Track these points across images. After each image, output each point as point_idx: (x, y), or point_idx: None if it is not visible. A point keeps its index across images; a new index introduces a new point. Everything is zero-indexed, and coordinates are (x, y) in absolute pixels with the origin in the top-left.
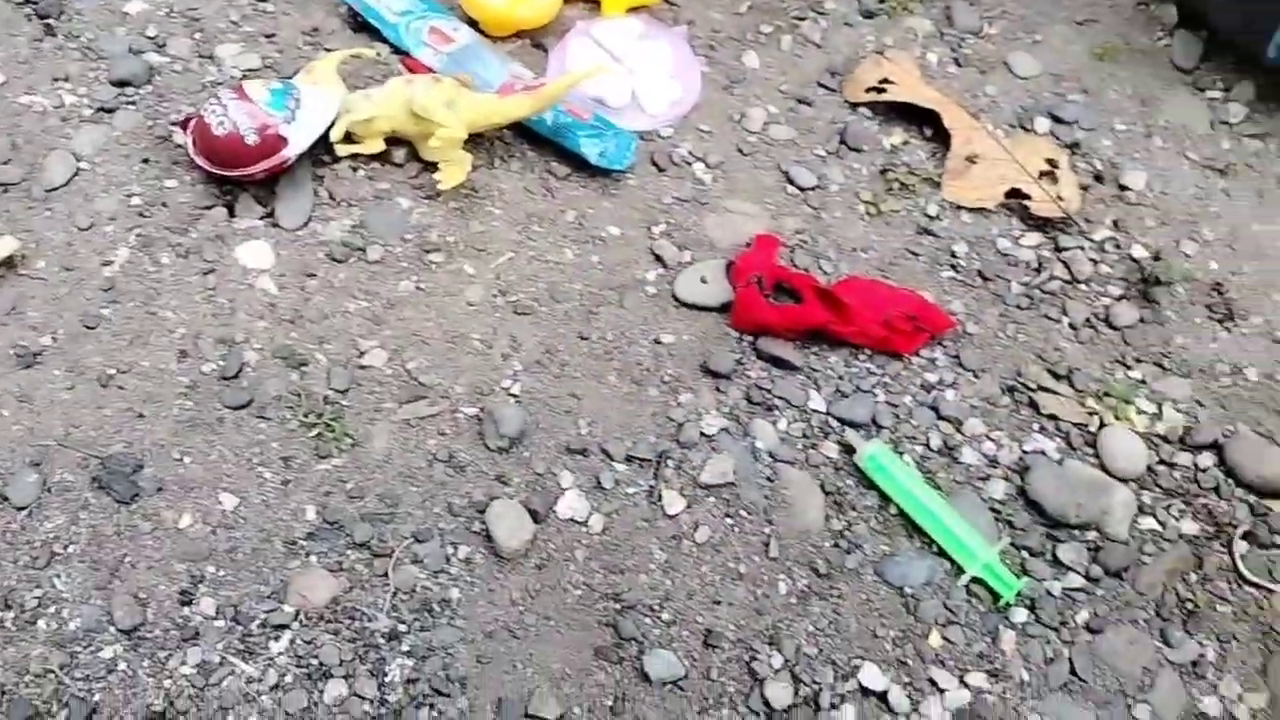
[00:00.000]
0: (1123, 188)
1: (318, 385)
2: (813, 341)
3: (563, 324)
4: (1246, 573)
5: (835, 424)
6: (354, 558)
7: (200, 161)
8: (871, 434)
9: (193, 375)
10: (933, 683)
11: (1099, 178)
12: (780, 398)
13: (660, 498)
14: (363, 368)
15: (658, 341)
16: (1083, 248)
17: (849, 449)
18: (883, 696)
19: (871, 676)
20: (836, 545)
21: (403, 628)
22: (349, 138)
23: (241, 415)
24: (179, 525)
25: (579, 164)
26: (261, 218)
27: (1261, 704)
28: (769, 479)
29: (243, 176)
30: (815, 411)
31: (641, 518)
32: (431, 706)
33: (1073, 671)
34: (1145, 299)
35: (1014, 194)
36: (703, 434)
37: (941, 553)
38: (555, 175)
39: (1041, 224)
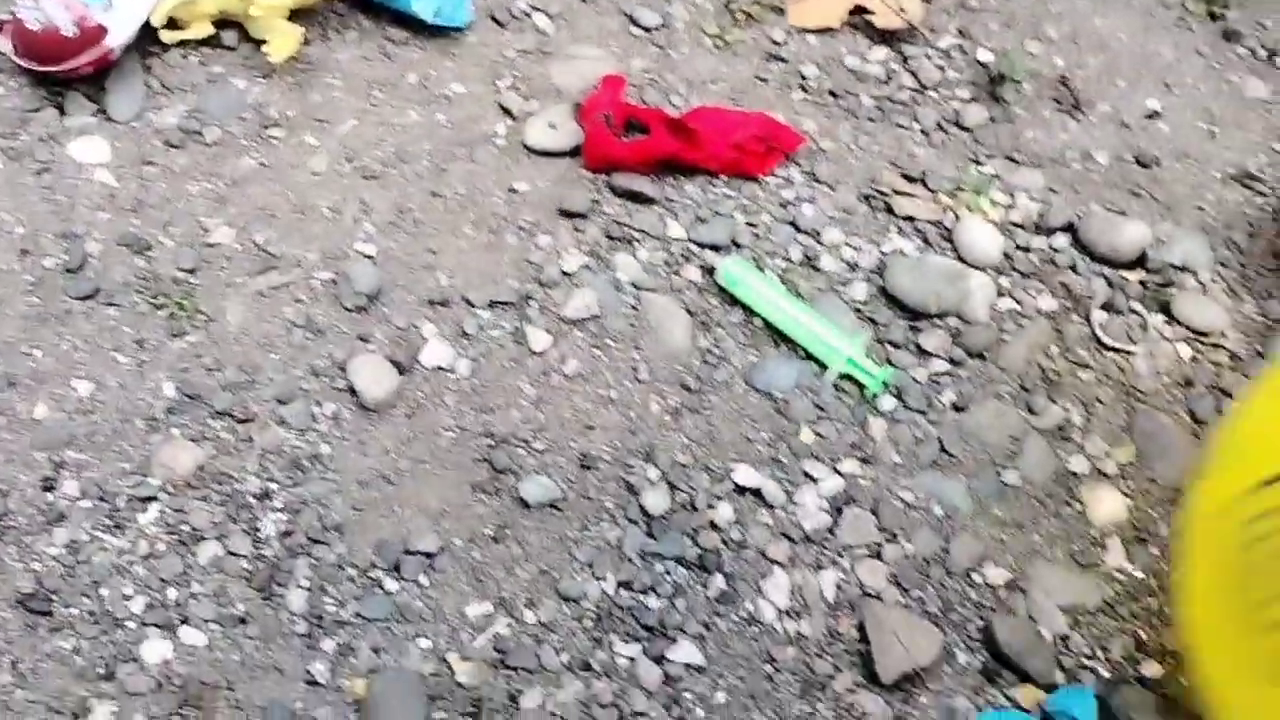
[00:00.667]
0: None
1: (165, 267)
2: (668, 173)
3: (413, 184)
4: (1106, 339)
5: (695, 249)
6: (217, 426)
7: (23, 63)
8: (731, 254)
9: (36, 272)
10: (806, 474)
11: None
12: (639, 230)
13: (526, 337)
14: (210, 246)
15: (512, 190)
16: (929, 55)
17: (710, 270)
18: (758, 492)
19: (746, 476)
20: (705, 362)
21: (274, 486)
22: (174, 23)
23: (90, 305)
24: (34, 416)
25: (417, 27)
26: (93, 114)
27: (1129, 458)
28: (633, 308)
29: (68, 72)
30: (675, 239)
31: (509, 358)
32: (309, 555)
33: (942, 449)
34: (993, 98)
35: (857, 11)
36: (563, 272)
37: (808, 356)
38: (393, 40)
39: (887, 38)
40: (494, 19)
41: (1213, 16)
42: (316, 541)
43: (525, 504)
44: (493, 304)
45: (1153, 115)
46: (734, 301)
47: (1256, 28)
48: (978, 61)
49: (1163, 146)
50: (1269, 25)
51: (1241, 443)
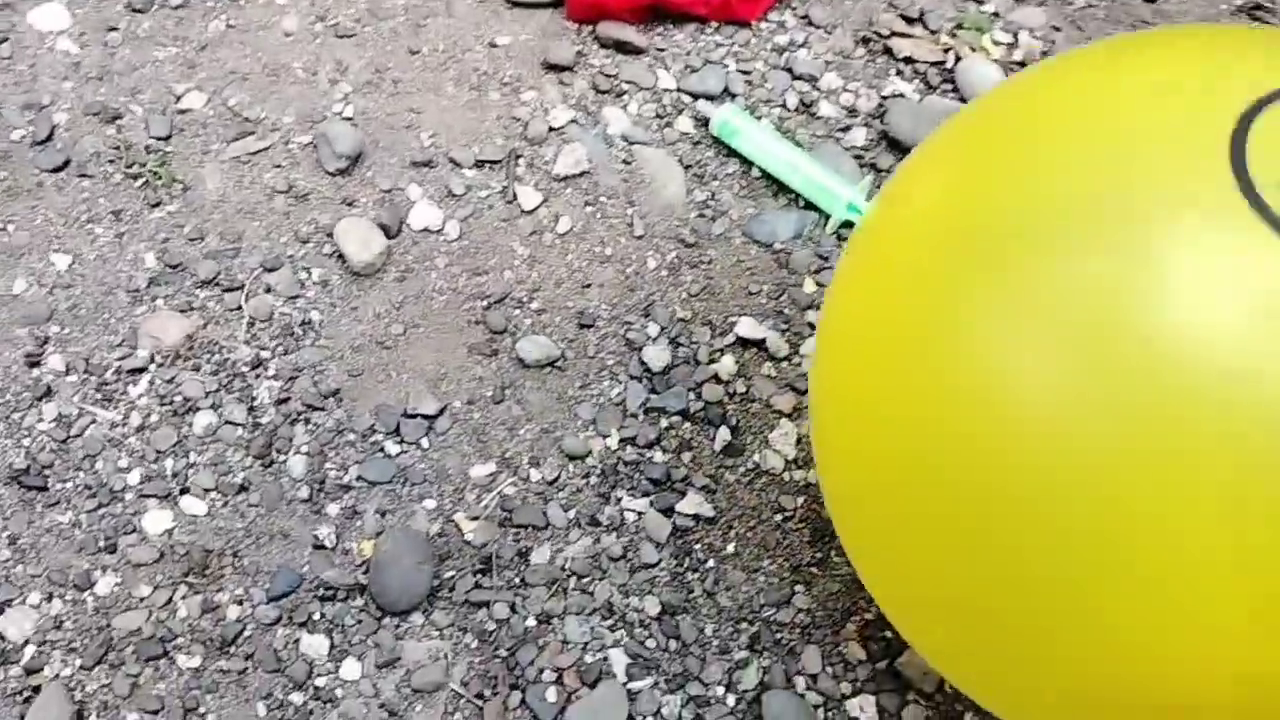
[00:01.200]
0: None
1: (137, 136)
2: (656, 21)
3: (389, 41)
4: None
5: (688, 99)
6: (203, 296)
7: None
8: (725, 103)
9: (2, 145)
10: (810, 325)
11: None
12: (628, 81)
13: (515, 196)
14: (182, 112)
15: (493, 45)
16: None
17: (704, 121)
18: (760, 344)
19: (749, 328)
20: (702, 215)
21: (265, 354)
22: None
23: (61, 177)
24: (13, 292)
25: None
26: None
27: None
28: (625, 162)
29: None
30: (666, 90)
31: (499, 218)
32: (307, 421)
33: None
34: None
35: None
36: (551, 128)
37: (808, 205)
38: None
39: None
40: None
41: None
42: (313, 408)
43: (524, 364)
44: (479, 163)
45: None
46: (730, 152)
47: None
48: None
49: None
50: None
51: None
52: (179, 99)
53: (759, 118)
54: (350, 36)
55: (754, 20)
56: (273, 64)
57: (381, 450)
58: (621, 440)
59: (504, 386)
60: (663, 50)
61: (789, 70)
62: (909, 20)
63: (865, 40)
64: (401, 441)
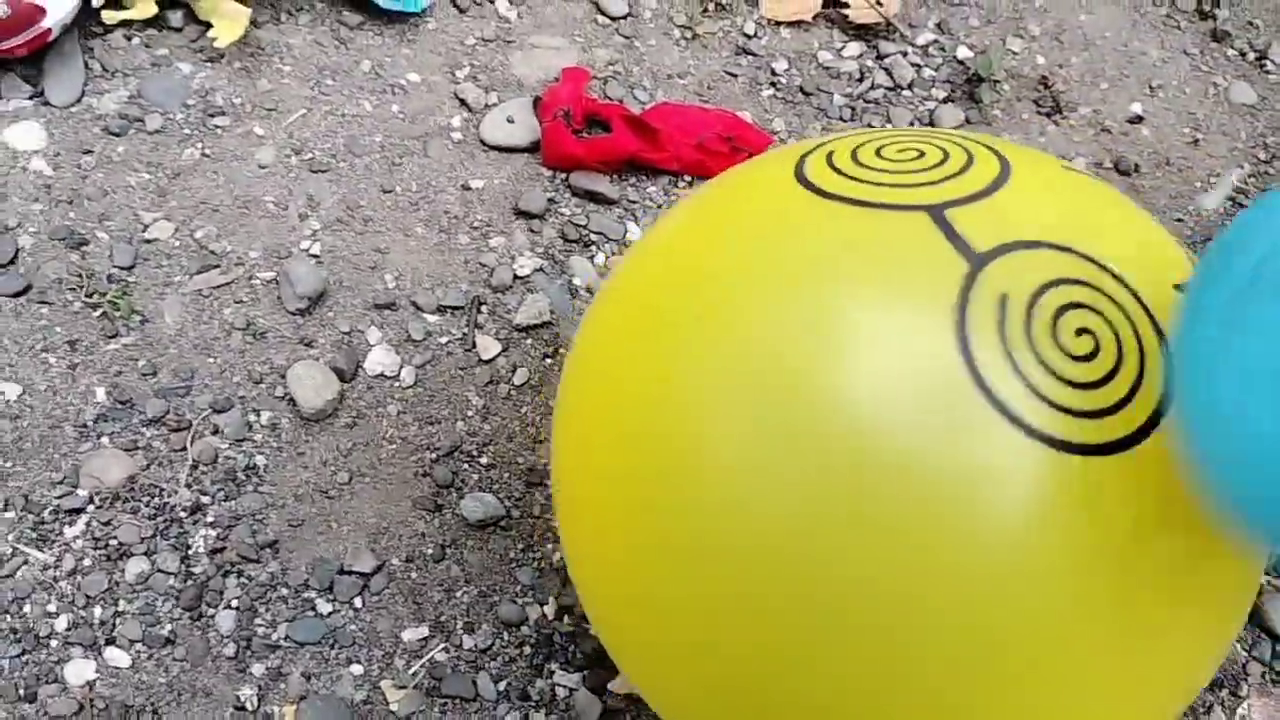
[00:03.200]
0: None
1: (100, 264)
2: (630, 173)
3: (363, 178)
4: None
5: None
6: (149, 435)
7: None
8: None
9: None
10: None
11: None
12: (596, 232)
13: (474, 344)
14: (148, 242)
15: (466, 187)
16: (905, 53)
17: None
18: None
19: None
20: None
21: (206, 499)
22: (117, 3)
23: (20, 302)
24: None
25: (373, 11)
26: (30, 97)
27: None
28: None
29: (2, 53)
30: (634, 242)
31: (456, 366)
32: (240, 574)
33: None
34: (971, 99)
35: (832, 3)
36: (516, 276)
37: None
38: (347, 25)
39: (862, 32)
40: (455, 5)
41: (1202, 15)
42: (248, 559)
43: (467, 522)
44: (441, 308)
45: (1135, 120)
46: None
47: (1247, 28)
48: (956, 59)
49: (1144, 153)
50: (1259, 25)
51: None
52: (146, 228)
53: None
54: (325, 171)
55: None
56: (244, 196)
57: (313, 608)
58: (559, 609)
59: (445, 545)
60: (634, 202)
61: None
62: None
63: None
64: (334, 600)
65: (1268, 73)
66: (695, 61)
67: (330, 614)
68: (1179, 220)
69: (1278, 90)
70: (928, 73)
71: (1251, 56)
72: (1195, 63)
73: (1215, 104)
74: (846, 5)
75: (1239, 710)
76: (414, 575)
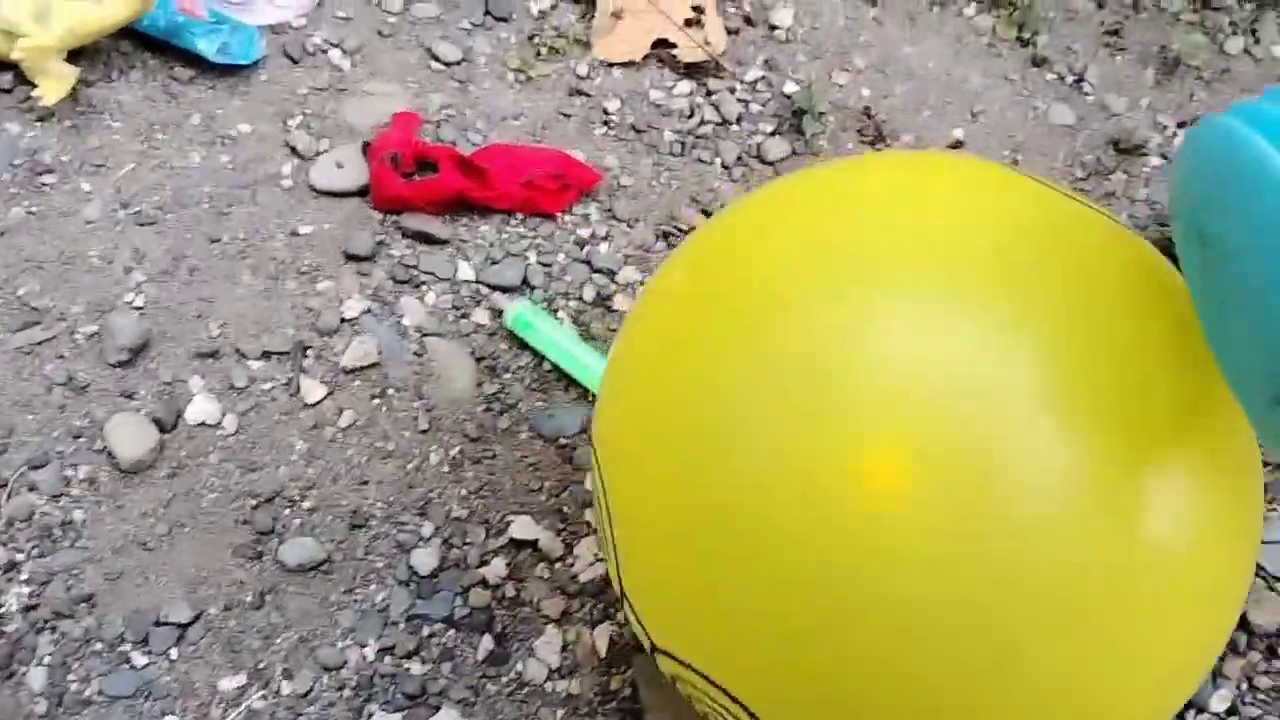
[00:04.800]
0: (773, 27)
1: None
2: (463, 213)
3: (190, 229)
4: None
5: (486, 290)
6: None
7: None
8: (524, 295)
9: None
10: (588, 524)
11: (749, 20)
12: (427, 272)
13: (299, 388)
14: None
15: (294, 233)
16: (733, 90)
17: (500, 313)
18: (534, 545)
19: (523, 528)
20: (489, 409)
21: (20, 557)
22: None
23: None
24: None
25: (206, 65)
26: None
27: None
28: (417, 354)
29: None
30: (465, 281)
31: (280, 411)
32: (54, 629)
33: None
34: (797, 132)
35: (661, 44)
36: (343, 319)
37: (595, 399)
38: (178, 80)
39: (692, 71)
40: (287, 55)
41: (1022, 42)
42: (63, 615)
43: (287, 568)
44: (266, 354)
45: (957, 145)
46: (524, 346)
47: (1066, 52)
48: (783, 94)
49: None
50: (1077, 49)
51: None
52: None
53: (556, 311)
54: (151, 224)
55: (559, 213)
56: (69, 252)
57: (128, 661)
58: (380, 650)
59: (265, 591)
60: (465, 241)
61: (588, 263)
62: (709, 214)
63: (666, 234)
64: (150, 652)
65: (1085, 94)
66: (529, 103)
67: (145, 666)
68: None
69: (1095, 110)
70: (755, 108)
71: (1070, 80)
72: (1016, 88)
73: (1035, 126)
74: (675, 46)
75: None
76: (232, 624)
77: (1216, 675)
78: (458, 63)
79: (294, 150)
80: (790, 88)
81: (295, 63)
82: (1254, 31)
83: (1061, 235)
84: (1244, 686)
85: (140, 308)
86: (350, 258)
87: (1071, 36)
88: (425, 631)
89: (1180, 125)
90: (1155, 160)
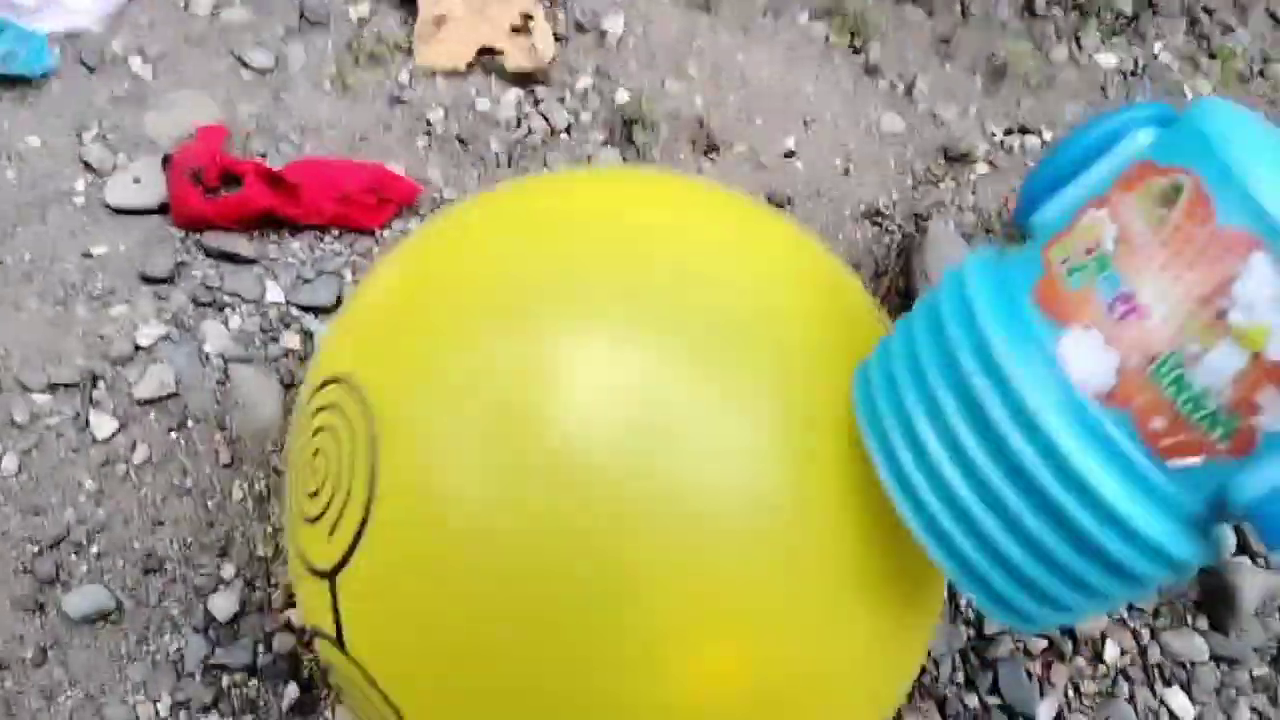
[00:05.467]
0: (604, 34)
1: None
2: (271, 229)
3: None
4: None
5: (296, 312)
6: None
7: None
8: (335, 317)
9: None
10: None
11: (580, 26)
12: (231, 294)
13: (88, 423)
14: None
15: (87, 255)
16: (562, 99)
17: (311, 336)
18: None
19: None
20: None
21: None
22: None
23: None
24: None
25: None
26: None
27: None
28: (219, 382)
29: None
30: (273, 303)
31: (68, 448)
32: None
33: None
34: (629, 141)
35: (486, 52)
36: (138, 346)
37: None
38: None
39: (520, 80)
40: (83, 63)
41: (855, 50)
42: None
43: (72, 619)
44: (52, 386)
45: (790, 154)
46: None
47: (898, 61)
48: (614, 102)
49: (797, 185)
50: (910, 58)
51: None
52: None
53: None
54: None
55: (377, 229)
56: None
57: None
58: (174, 705)
59: (46, 646)
60: (275, 260)
61: None
62: None
63: None
64: None
65: (915, 102)
66: (347, 113)
67: None
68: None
69: (925, 118)
70: (585, 117)
71: (901, 89)
72: (848, 97)
73: (866, 134)
74: (502, 53)
75: None
76: (9, 684)
77: (1042, 683)
78: (270, 70)
79: (88, 165)
80: (622, 97)
81: (92, 71)
82: (1078, 38)
83: (748, 251)
84: (1070, 694)
85: None
86: (147, 280)
87: (903, 45)
88: (225, 682)
89: (1007, 132)
90: (983, 168)
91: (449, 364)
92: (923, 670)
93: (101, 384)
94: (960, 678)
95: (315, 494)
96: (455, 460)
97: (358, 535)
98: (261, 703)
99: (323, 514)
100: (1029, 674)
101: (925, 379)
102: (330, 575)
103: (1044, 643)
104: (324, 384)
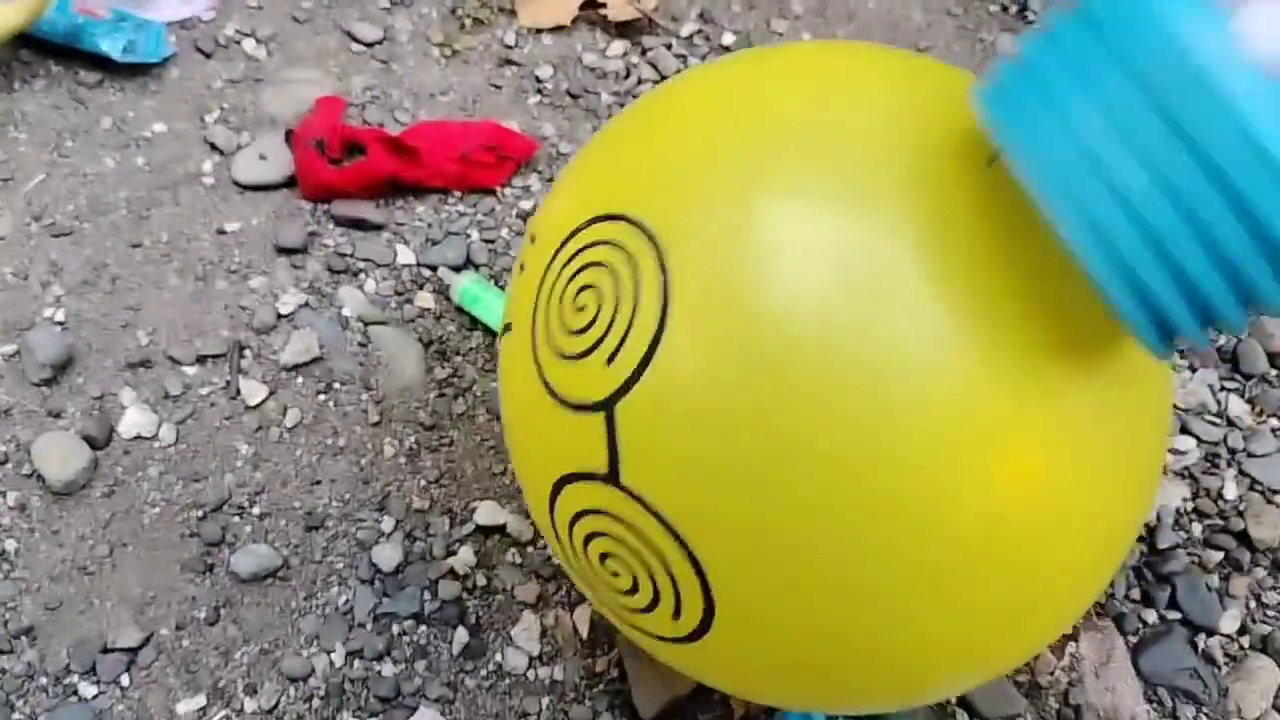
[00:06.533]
0: None
1: None
2: (397, 196)
3: (109, 236)
4: None
5: (428, 272)
6: None
7: None
8: (467, 274)
9: None
10: None
11: None
12: (364, 259)
13: (239, 391)
14: None
15: (221, 232)
16: (669, 46)
17: (445, 295)
18: (502, 530)
19: (488, 514)
20: (442, 394)
21: None
22: None
23: None
24: None
25: (113, 67)
26: None
27: None
28: (361, 344)
29: None
30: (405, 266)
31: (221, 417)
32: None
33: None
34: None
35: (589, 5)
36: (280, 315)
37: None
38: (85, 84)
39: (625, 30)
40: (199, 49)
41: None
42: (2, 651)
43: (241, 578)
44: (201, 358)
45: None
46: (474, 325)
47: None
48: (721, 46)
49: None
50: None
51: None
52: None
53: (503, 285)
54: (67, 235)
55: (498, 187)
56: None
57: (75, 694)
58: (348, 654)
59: (219, 605)
60: (402, 224)
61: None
62: None
63: None
64: (98, 681)
65: (1030, 22)
66: (457, 78)
67: (95, 696)
68: None
69: None
70: (693, 62)
71: (1013, 9)
72: (960, 21)
73: (984, 58)
74: (604, 5)
75: (1068, 649)
76: (186, 643)
77: (1223, 596)
78: (378, 42)
79: (213, 146)
80: (728, 39)
81: (208, 56)
82: None
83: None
84: (1252, 604)
85: (61, 322)
86: (282, 251)
87: None
88: (394, 630)
89: None
90: None
91: (725, 201)
92: None
93: (248, 353)
94: (1136, 594)
95: (584, 330)
96: (744, 273)
97: (645, 359)
98: (431, 649)
99: (595, 346)
100: (1207, 587)
101: (1082, 75)
102: (607, 405)
103: (1219, 554)
104: (589, 223)
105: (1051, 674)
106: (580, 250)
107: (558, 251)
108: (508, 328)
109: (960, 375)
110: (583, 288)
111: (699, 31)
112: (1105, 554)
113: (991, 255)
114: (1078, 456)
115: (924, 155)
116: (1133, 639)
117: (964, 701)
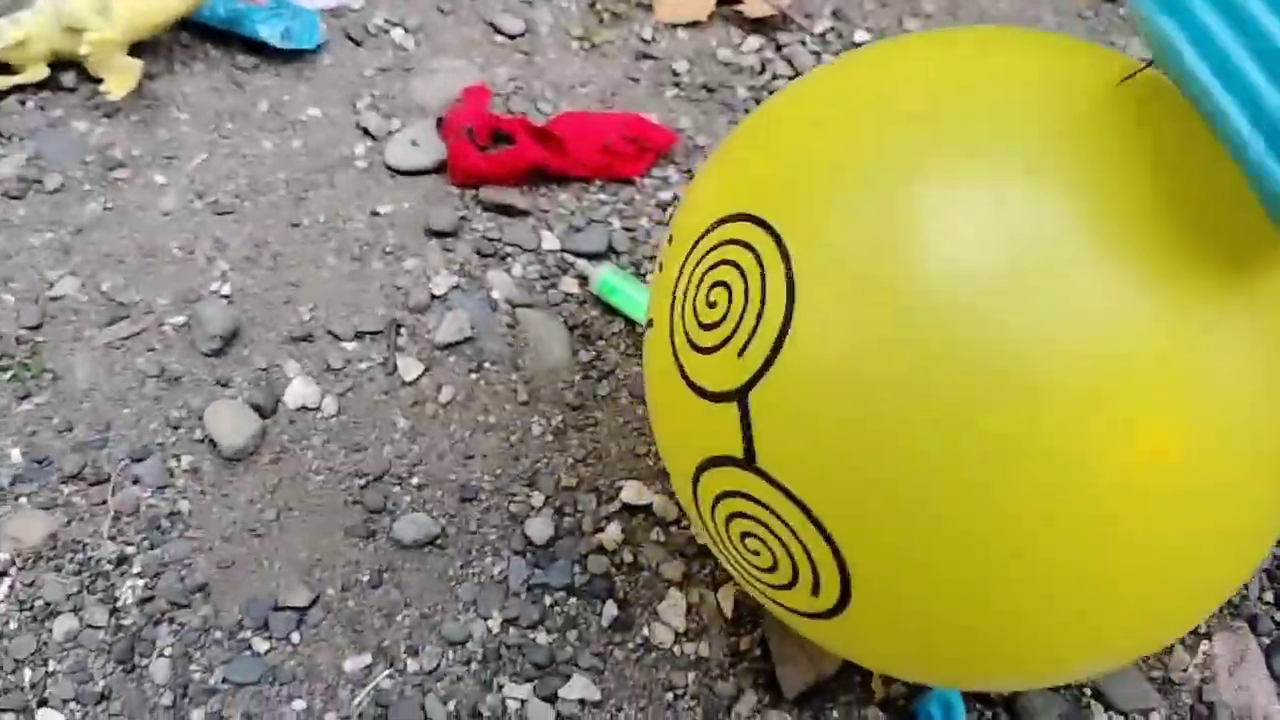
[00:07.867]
0: None
1: (7, 327)
2: (541, 184)
3: (269, 215)
4: None
5: (571, 259)
6: (68, 491)
7: None
8: (609, 262)
9: None
10: None
11: None
12: (511, 244)
13: (396, 367)
14: (54, 299)
15: (375, 214)
16: (804, 42)
17: (587, 280)
18: (647, 510)
19: (633, 493)
20: (587, 376)
21: (131, 550)
22: (6, 68)
23: None
24: None
25: (268, 52)
26: None
27: None
28: (509, 326)
29: None
30: (550, 251)
31: (380, 391)
32: (171, 621)
33: None
34: None
35: (725, 1)
36: (433, 295)
37: None
38: (243, 68)
39: (760, 26)
40: (349, 37)
41: None
42: (179, 605)
43: (402, 544)
44: (359, 334)
45: None
46: (614, 311)
47: None
48: (854, 43)
49: None
50: None
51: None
52: (52, 285)
53: (643, 274)
54: (230, 213)
55: (638, 177)
56: (149, 245)
57: (249, 648)
58: (504, 622)
59: (381, 570)
60: (546, 211)
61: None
62: None
63: None
64: (270, 637)
65: None
66: (596, 70)
67: (267, 652)
68: None
69: None
70: (827, 59)
71: None
72: (1091, 24)
73: None
74: (740, 1)
75: (1201, 648)
76: (351, 604)
77: None
78: (521, 34)
79: (366, 131)
80: (861, 36)
81: (358, 44)
82: None
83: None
84: None
85: (227, 296)
86: (433, 234)
87: None
88: (548, 600)
89: None
90: None
91: (853, 200)
92: None
93: (404, 331)
94: (1270, 596)
95: (716, 324)
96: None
97: (775, 350)
98: (582, 620)
99: (727, 340)
100: None
101: None
102: (741, 394)
103: None
104: (718, 223)
105: (1185, 671)
106: (710, 249)
107: (690, 251)
108: (650, 323)
109: (1123, 331)
110: (714, 285)
111: (832, 29)
112: (1244, 543)
113: (1148, 212)
114: (1223, 429)
115: (1074, 121)
116: (1265, 640)
117: (1099, 695)
